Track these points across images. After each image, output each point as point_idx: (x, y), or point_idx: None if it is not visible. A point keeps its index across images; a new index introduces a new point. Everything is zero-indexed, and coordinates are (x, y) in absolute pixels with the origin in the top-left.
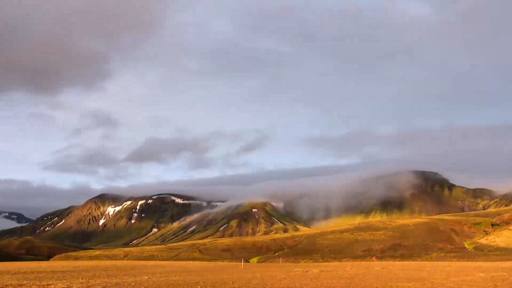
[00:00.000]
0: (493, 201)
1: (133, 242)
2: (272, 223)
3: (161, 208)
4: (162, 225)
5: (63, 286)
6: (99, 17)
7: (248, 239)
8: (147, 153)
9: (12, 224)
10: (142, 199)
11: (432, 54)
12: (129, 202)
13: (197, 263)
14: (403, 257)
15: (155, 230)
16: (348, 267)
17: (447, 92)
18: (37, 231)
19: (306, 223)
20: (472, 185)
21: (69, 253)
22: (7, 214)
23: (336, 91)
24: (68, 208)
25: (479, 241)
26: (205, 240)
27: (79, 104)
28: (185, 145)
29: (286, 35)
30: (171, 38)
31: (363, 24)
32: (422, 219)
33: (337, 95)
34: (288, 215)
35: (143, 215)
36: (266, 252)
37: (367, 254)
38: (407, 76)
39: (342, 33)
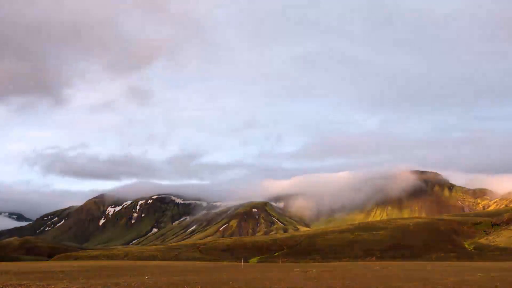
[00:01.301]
0: (493, 201)
1: (133, 242)
2: (272, 223)
3: (161, 208)
4: (162, 225)
5: (63, 286)
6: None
7: (248, 239)
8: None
9: (12, 224)
10: (142, 199)
11: (437, 49)
12: (129, 202)
13: (197, 263)
14: (403, 257)
15: (155, 230)
16: (348, 267)
17: (447, 91)
18: (37, 231)
19: (306, 223)
20: (472, 185)
21: (69, 253)
22: (7, 214)
23: (341, 86)
24: (68, 208)
25: (479, 241)
26: (205, 240)
27: (80, 102)
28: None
29: None
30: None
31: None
32: (422, 219)
33: (342, 89)
34: (288, 215)
35: (143, 215)
36: (266, 252)
37: (367, 254)
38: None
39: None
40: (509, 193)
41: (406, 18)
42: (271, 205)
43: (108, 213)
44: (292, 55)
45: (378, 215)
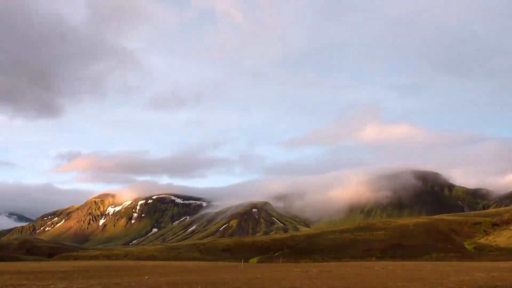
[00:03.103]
0: (493, 201)
1: (133, 242)
2: (272, 223)
3: (161, 208)
4: (162, 225)
5: (63, 286)
6: None
7: (248, 239)
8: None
9: (12, 224)
10: (142, 199)
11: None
12: (129, 202)
13: (197, 263)
14: (403, 257)
15: (155, 230)
16: (348, 267)
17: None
18: (37, 231)
19: (306, 223)
20: (472, 185)
21: (69, 253)
22: (7, 214)
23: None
24: (68, 208)
25: (479, 241)
26: (205, 240)
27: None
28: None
29: None
30: None
31: None
32: (422, 219)
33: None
34: (288, 215)
35: (143, 215)
36: (266, 252)
37: (367, 254)
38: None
39: None
40: (509, 193)
41: None
42: (271, 205)
43: (108, 213)
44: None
45: (378, 215)
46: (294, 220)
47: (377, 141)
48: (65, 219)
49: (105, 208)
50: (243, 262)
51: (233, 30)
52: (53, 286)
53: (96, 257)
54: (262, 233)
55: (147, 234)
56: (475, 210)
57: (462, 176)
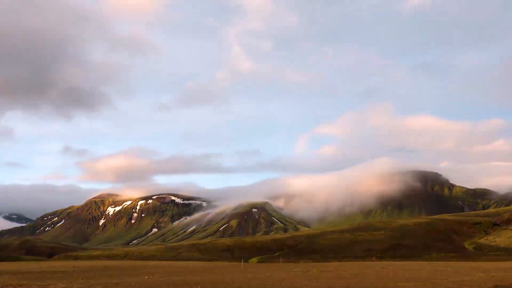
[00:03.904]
0: (493, 201)
1: (133, 242)
2: (272, 223)
3: (161, 208)
4: (162, 225)
5: (63, 286)
6: None
7: (248, 239)
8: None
9: (12, 224)
10: (142, 199)
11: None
12: (129, 202)
13: (197, 263)
14: (403, 257)
15: (155, 230)
16: (348, 267)
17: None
18: (37, 231)
19: (306, 223)
20: (472, 185)
21: (69, 253)
22: (7, 214)
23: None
24: (68, 208)
25: (479, 241)
26: (205, 240)
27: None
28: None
29: None
30: None
31: None
32: (422, 219)
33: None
34: (288, 215)
35: (143, 215)
36: (266, 252)
37: (367, 254)
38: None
39: None
40: (509, 193)
41: None
42: (271, 205)
43: (108, 213)
44: None
45: (378, 215)
46: (294, 220)
47: (379, 139)
48: (65, 219)
49: (105, 208)
50: (243, 262)
51: (241, 23)
52: (53, 286)
53: (96, 257)
54: (262, 233)
55: (147, 234)
56: (475, 210)
57: (462, 176)
